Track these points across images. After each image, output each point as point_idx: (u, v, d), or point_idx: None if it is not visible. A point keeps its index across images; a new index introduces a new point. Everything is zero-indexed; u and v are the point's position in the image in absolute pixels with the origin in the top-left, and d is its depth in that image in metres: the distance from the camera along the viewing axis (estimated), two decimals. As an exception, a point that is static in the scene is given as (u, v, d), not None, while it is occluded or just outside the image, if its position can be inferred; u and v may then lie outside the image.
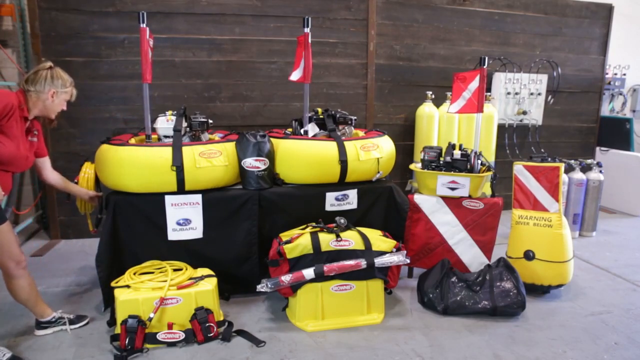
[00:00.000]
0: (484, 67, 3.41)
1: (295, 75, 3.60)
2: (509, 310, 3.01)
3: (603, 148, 5.99)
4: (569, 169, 4.69)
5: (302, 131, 3.56)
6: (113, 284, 2.74)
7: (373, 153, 3.33)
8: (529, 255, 3.31)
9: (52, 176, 2.89)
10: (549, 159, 3.48)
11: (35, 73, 2.52)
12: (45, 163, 2.86)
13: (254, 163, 3.10)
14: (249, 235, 3.16)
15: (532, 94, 5.41)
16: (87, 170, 3.12)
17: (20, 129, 2.44)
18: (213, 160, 3.00)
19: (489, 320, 3.02)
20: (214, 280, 2.83)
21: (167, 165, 2.89)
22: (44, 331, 2.75)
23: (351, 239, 2.94)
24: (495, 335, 2.84)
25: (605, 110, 6.36)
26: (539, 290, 3.35)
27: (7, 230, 2.45)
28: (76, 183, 3.06)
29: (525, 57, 5.48)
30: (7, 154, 2.37)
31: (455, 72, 3.60)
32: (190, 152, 2.95)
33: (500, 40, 5.40)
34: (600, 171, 4.76)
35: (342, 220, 3.02)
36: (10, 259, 2.48)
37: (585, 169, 4.77)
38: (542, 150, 5.59)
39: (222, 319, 2.84)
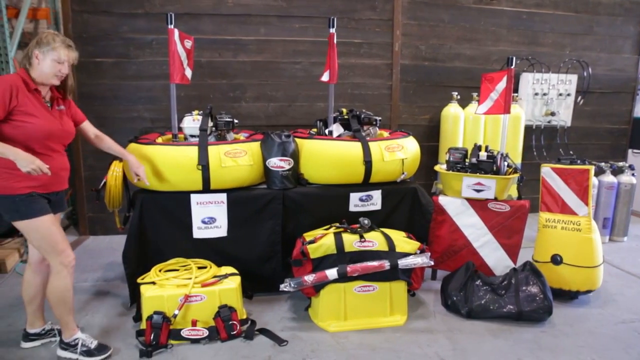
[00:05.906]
0: (512, 67, 3.35)
1: (326, 76, 3.59)
2: (534, 315, 2.95)
3: (636, 150, 5.80)
4: (599, 172, 4.57)
5: (326, 131, 3.56)
6: (139, 280, 2.79)
7: (398, 154, 3.31)
8: (556, 260, 3.24)
9: (102, 144, 2.77)
10: (578, 161, 3.39)
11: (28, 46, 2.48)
12: (87, 128, 2.74)
13: (278, 163, 3.12)
14: (272, 235, 3.18)
15: (560, 94, 5.28)
16: (116, 169, 3.16)
17: (37, 101, 2.41)
18: (238, 159, 3.03)
19: (513, 325, 2.96)
20: (238, 278, 2.86)
21: (193, 164, 2.93)
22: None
23: (375, 240, 2.93)
24: (520, 341, 2.79)
25: (639, 112, 6.17)
26: (567, 296, 3.27)
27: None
28: (104, 182, 3.10)
29: (554, 56, 5.35)
30: (39, 128, 2.36)
31: (483, 73, 3.55)
32: (215, 152, 2.98)
33: (528, 40, 5.29)
34: (633, 174, 4.61)
35: (366, 221, 3.01)
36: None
37: (617, 171, 4.64)
38: (571, 152, 5.46)
39: (245, 317, 2.87)
